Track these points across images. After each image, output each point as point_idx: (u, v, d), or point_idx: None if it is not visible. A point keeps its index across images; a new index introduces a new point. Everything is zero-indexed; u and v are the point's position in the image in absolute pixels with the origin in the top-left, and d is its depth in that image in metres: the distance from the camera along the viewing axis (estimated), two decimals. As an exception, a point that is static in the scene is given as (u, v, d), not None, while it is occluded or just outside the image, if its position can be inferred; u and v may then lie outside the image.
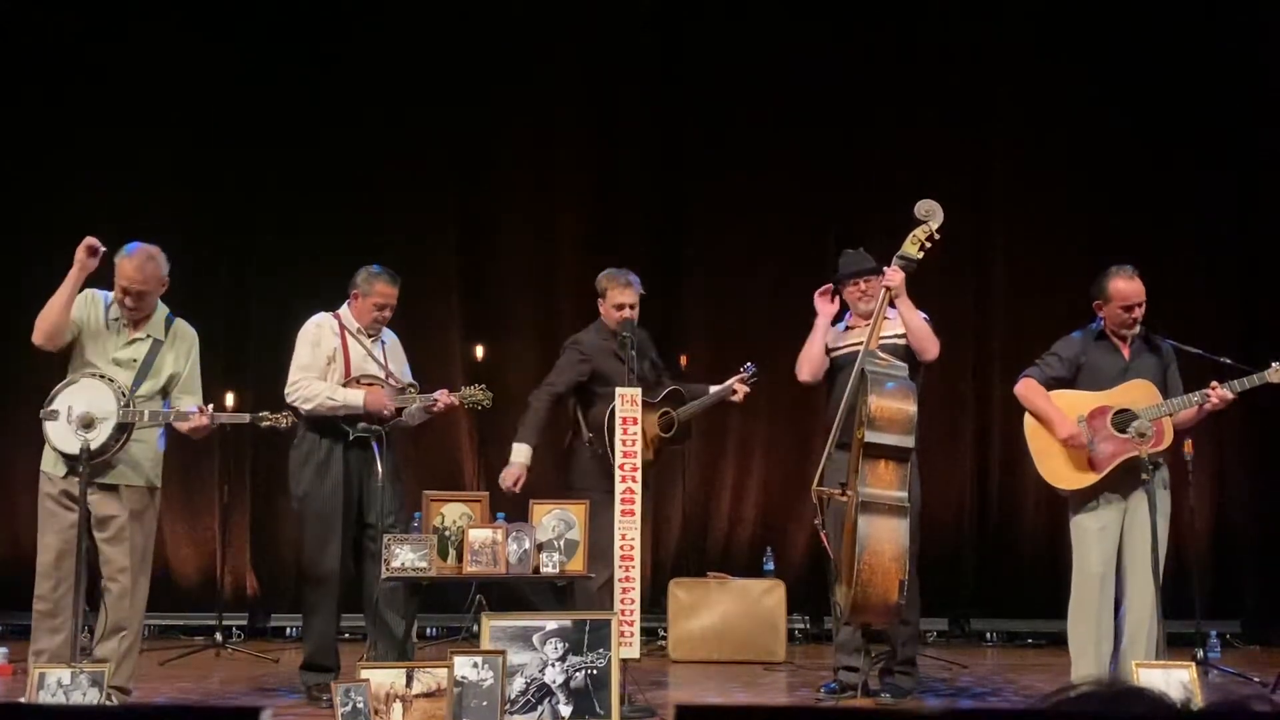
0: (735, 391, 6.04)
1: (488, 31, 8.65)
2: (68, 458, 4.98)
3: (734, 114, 8.66)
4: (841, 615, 5.24)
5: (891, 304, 5.52)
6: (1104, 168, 8.39)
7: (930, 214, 5.39)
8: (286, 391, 5.60)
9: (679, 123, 8.75)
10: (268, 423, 5.30)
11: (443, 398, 5.73)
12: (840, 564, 5.18)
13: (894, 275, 5.41)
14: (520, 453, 5.83)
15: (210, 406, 5.14)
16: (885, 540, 5.05)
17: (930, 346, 5.56)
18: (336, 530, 5.57)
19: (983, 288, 8.62)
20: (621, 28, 8.73)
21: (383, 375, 5.72)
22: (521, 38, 8.67)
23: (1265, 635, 7.96)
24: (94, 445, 4.95)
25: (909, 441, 5.19)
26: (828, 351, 5.76)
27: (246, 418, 5.33)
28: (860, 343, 5.59)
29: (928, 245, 5.40)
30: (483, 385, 5.89)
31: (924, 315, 5.65)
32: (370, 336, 5.80)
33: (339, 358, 5.69)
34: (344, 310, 5.83)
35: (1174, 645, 5.55)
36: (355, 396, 5.60)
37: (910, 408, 5.19)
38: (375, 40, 8.67)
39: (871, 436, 5.10)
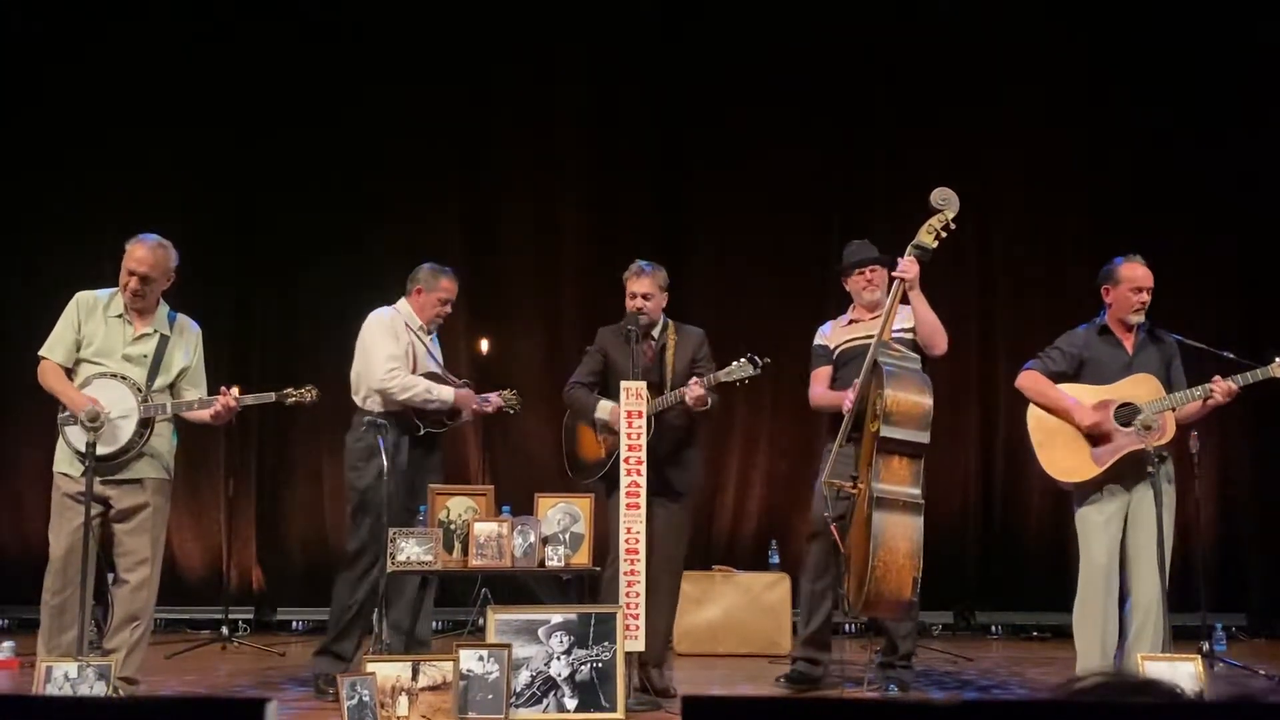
0: (693, 396, 5.38)
1: (490, 25, 8.65)
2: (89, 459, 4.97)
3: (736, 105, 8.65)
4: (850, 608, 5.20)
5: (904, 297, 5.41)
6: (1106, 161, 8.40)
7: (947, 202, 5.25)
8: (382, 379, 5.55)
9: (681, 113, 8.75)
10: (294, 399, 5.29)
11: (495, 399, 5.88)
12: (850, 557, 5.15)
13: (910, 266, 5.25)
14: (604, 408, 5.61)
15: (235, 389, 5.14)
16: (900, 537, 5.01)
17: (941, 341, 5.50)
18: (393, 523, 5.55)
19: (987, 279, 8.63)
20: (623, 18, 8.72)
21: (440, 373, 5.77)
22: (523, 30, 8.67)
23: (1271, 628, 7.98)
24: (121, 442, 4.96)
25: (924, 437, 5.08)
26: (833, 350, 5.74)
27: (272, 396, 5.30)
28: (865, 336, 5.54)
29: (943, 235, 5.25)
30: (514, 390, 6.06)
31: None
32: (428, 334, 5.82)
33: (410, 353, 5.70)
34: (403, 306, 5.81)
35: (1180, 638, 5.55)
36: (448, 393, 5.65)
37: (926, 401, 5.07)
38: (378, 36, 8.67)
39: (887, 431, 5.01)
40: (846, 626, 7.51)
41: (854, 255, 5.76)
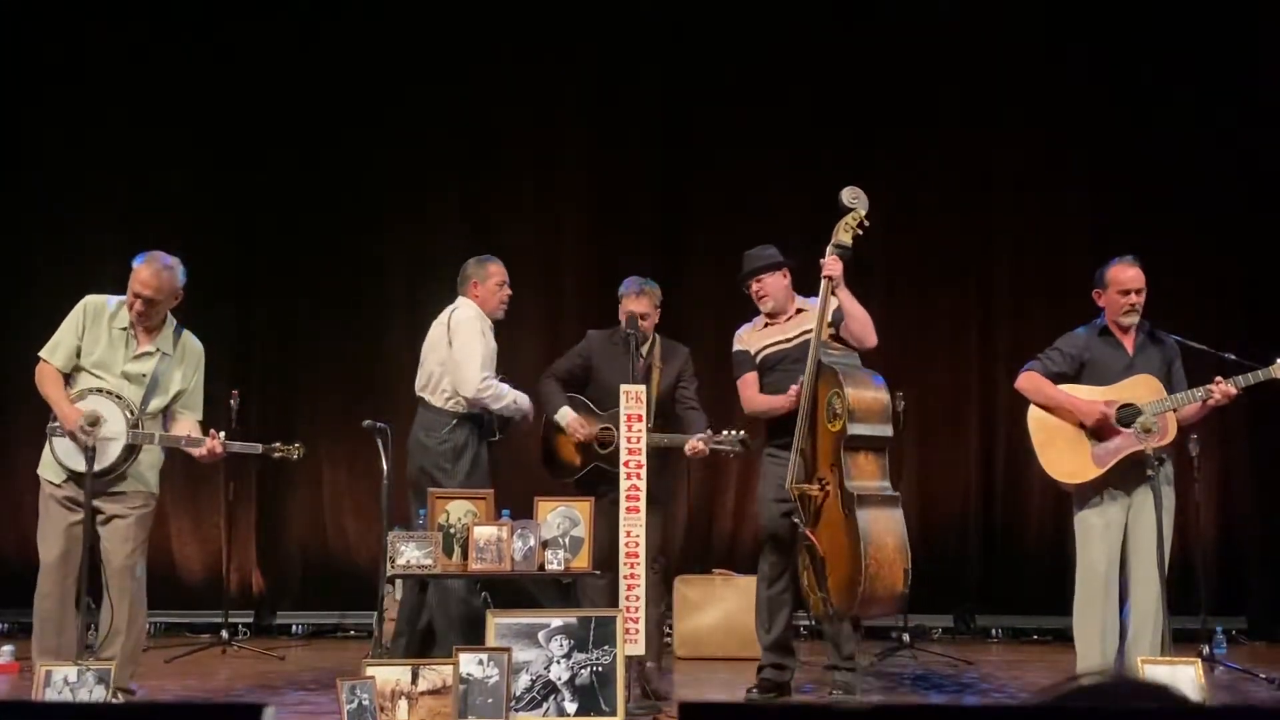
0: (694, 449, 5.57)
1: (491, 28, 8.65)
2: (75, 473, 4.98)
3: (737, 105, 8.64)
4: (834, 612, 5.15)
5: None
6: (1106, 165, 8.40)
7: (857, 200, 5.33)
8: (479, 389, 5.59)
9: (682, 117, 8.74)
10: (279, 454, 5.29)
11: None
12: (828, 560, 5.11)
13: (834, 265, 5.31)
14: (564, 414, 5.79)
15: (222, 435, 5.10)
16: (886, 532, 5.01)
17: (872, 335, 5.45)
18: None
19: (985, 282, 8.62)
20: (624, 23, 8.72)
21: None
22: (524, 34, 8.67)
23: (1271, 631, 7.96)
24: (105, 464, 4.94)
25: (888, 430, 5.19)
26: (754, 354, 5.69)
27: (259, 448, 5.28)
28: (783, 340, 5.59)
29: (859, 232, 5.33)
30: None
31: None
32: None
33: (493, 355, 5.77)
34: (470, 304, 5.80)
35: (1180, 642, 5.55)
36: (526, 401, 5.75)
37: (885, 396, 5.19)
38: (378, 38, 8.67)
39: (854, 429, 5.05)
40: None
41: (743, 268, 5.74)
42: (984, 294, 8.63)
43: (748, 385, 5.69)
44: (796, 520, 5.18)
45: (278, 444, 5.30)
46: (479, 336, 5.69)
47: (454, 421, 5.67)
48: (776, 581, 5.55)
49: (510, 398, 5.69)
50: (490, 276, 5.84)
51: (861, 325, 5.42)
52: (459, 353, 5.66)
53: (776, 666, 5.60)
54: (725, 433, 5.62)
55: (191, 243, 8.05)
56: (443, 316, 5.87)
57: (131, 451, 5.03)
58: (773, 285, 5.66)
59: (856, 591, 4.94)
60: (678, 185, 8.74)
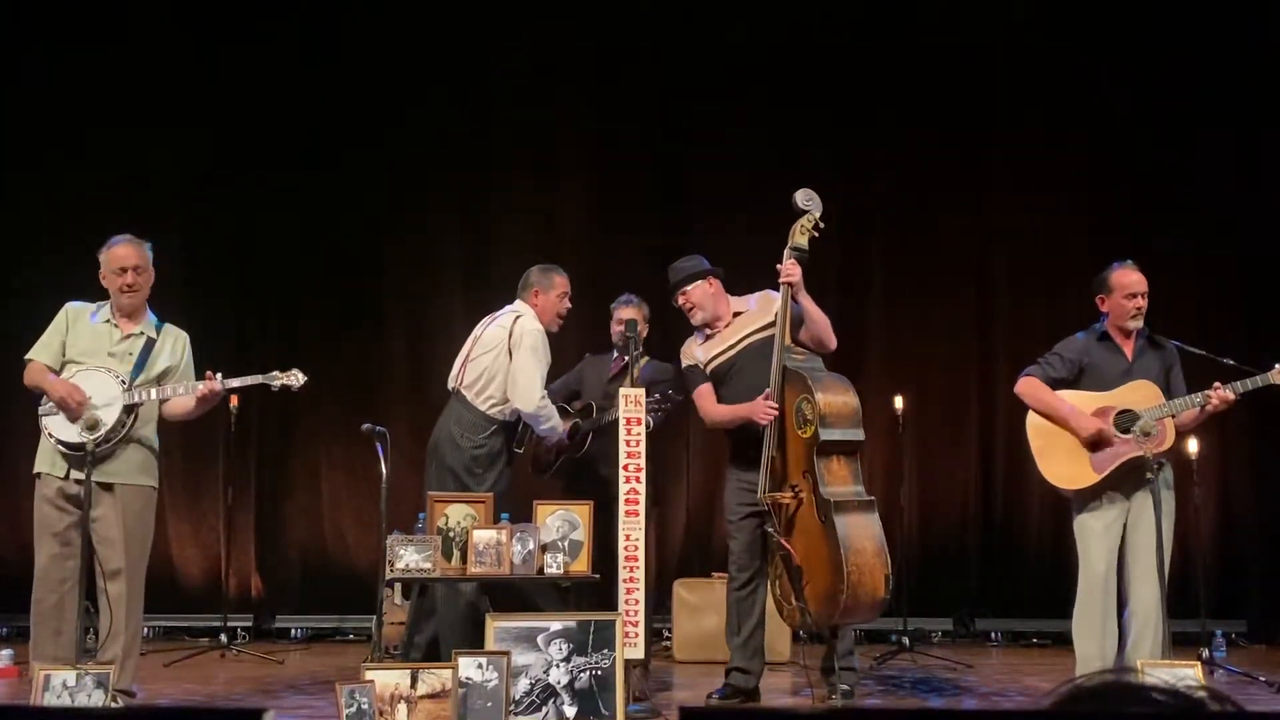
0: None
1: (491, 28, 8.65)
2: (72, 448, 4.98)
3: (737, 108, 8.64)
4: (813, 621, 5.10)
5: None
6: (1106, 167, 8.39)
7: (811, 202, 5.30)
8: (539, 405, 5.55)
9: (682, 115, 8.73)
10: (280, 382, 5.22)
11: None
12: (805, 571, 5.03)
13: (793, 270, 5.25)
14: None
15: (219, 375, 5.11)
16: (865, 537, 4.97)
17: (832, 337, 5.40)
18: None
19: (985, 286, 8.61)
20: (624, 22, 8.71)
21: None
22: (524, 35, 8.66)
23: (1271, 634, 7.95)
24: (104, 428, 4.94)
25: (860, 434, 5.15)
26: (704, 366, 5.62)
27: (259, 378, 5.22)
28: (728, 348, 5.54)
29: (815, 234, 5.29)
30: None
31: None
32: None
33: None
34: (533, 315, 5.73)
35: (1179, 645, 5.54)
36: (560, 427, 5.74)
37: (854, 399, 5.15)
38: (378, 40, 8.67)
39: (826, 434, 5.01)
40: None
41: (671, 279, 5.69)
42: (984, 294, 8.62)
43: (704, 397, 5.59)
44: (770, 530, 5.11)
45: (276, 371, 5.24)
46: (542, 355, 5.62)
47: (493, 428, 5.64)
48: (746, 584, 5.51)
49: (556, 420, 5.70)
50: (554, 287, 5.78)
51: (822, 328, 5.38)
52: (522, 366, 5.57)
53: (742, 671, 5.50)
54: (655, 395, 5.57)
55: (191, 246, 8.13)
56: (503, 319, 5.75)
57: (130, 412, 5.06)
58: (699, 296, 5.60)
59: (839, 600, 4.89)
60: (677, 186, 8.73)
